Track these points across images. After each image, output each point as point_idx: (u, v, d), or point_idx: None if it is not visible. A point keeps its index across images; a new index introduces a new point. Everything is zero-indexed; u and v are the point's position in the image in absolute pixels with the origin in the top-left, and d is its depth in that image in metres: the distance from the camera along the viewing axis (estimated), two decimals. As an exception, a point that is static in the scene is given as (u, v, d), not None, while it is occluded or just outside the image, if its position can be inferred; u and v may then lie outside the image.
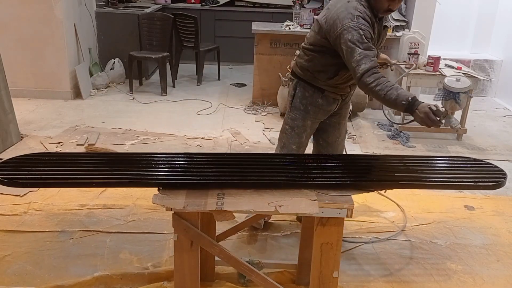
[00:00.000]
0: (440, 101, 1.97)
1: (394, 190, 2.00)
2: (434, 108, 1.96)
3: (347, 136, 4.33)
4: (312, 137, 2.69)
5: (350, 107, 2.74)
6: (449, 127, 1.97)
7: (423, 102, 2.02)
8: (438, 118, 1.95)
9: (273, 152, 2.71)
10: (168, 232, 2.66)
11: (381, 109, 5.16)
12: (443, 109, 1.99)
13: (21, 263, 2.39)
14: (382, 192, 2.42)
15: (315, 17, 2.79)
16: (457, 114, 4.42)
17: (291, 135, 2.57)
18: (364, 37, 2.14)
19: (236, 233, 2.58)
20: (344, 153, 2.76)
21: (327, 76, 2.40)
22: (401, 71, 4.39)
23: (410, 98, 2.01)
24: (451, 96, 1.93)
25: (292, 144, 2.58)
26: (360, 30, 2.14)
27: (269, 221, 2.82)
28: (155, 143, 4.00)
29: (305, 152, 2.73)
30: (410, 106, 2.01)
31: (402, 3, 5.01)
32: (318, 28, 2.34)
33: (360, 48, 2.12)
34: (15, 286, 2.22)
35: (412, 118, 2.10)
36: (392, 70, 2.75)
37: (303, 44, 2.49)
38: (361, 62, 2.11)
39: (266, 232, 2.75)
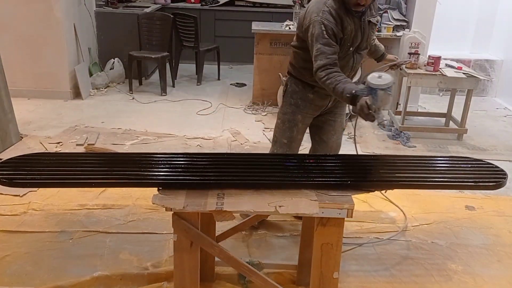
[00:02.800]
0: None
1: (395, 190, 2.00)
2: (369, 102, 1.97)
3: (347, 136, 4.34)
4: (308, 134, 2.71)
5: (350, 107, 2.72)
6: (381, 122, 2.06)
7: (365, 96, 2.02)
8: (370, 111, 1.96)
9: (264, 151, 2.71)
10: (168, 232, 2.65)
11: (382, 109, 5.16)
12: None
13: (21, 263, 2.38)
14: (383, 192, 2.41)
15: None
16: (458, 114, 4.43)
17: (282, 129, 2.60)
18: (325, 33, 2.17)
19: (236, 234, 2.58)
20: (356, 152, 2.73)
21: (310, 73, 2.40)
22: (402, 71, 4.38)
23: (354, 91, 2.03)
24: (370, 91, 1.94)
25: (283, 138, 2.61)
26: (323, 26, 2.18)
27: (267, 220, 2.81)
28: (155, 143, 4.00)
29: (300, 151, 2.73)
30: (352, 99, 2.04)
31: (403, 3, 5.01)
32: (298, 24, 2.40)
33: (319, 43, 2.18)
34: (15, 287, 2.21)
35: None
36: (401, 70, 2.76)
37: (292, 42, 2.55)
38: (318, 58, 2.17)
39: (266, 232, 2.75)
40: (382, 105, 1.96)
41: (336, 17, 2.20)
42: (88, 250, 2.52)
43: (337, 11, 2.21)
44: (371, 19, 2.38)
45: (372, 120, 2.00)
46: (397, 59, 2.78)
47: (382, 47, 2.73)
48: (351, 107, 2.55)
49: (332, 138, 2.66)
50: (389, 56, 2.75)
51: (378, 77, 1.93)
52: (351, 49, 2.34)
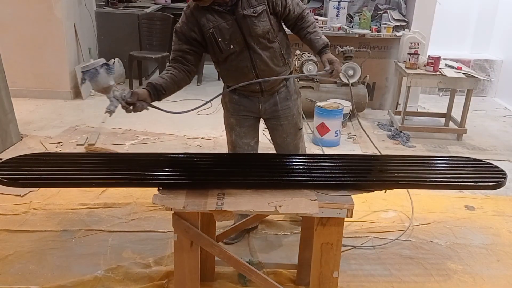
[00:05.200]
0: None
1: (394, 190, 2.00)
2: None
3: (347, 136, 4.34)
4: None
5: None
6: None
7: (145, 90, 2.11)
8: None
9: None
10: (170, 231, 2.65)
11: (381, 109, 5.18)
12: None
13: (24, 262, 2.39)
14: (382, 192, 2.41)
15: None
16: (457, 114, 4.44)
17: (226, 134, 2.59)
18: (174, 31, 2.26)
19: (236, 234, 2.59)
20: (351, 152, 2.65)
21: (221, 77, 2.47)
22: (401, 71, 4.39)
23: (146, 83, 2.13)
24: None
25: (228, 143, 2.59)
26: (177, 23, 2.28)
27: (267, 219, 2.81)
28: (155, 143, 4.00)
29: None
30: None
31: (402, 3, 5.01)
32: None
33: (172, 39, 2.29)
34: (18, 285, 2.22)
35: None
36: (331, 77, 2.29)
37: None
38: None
39: (267, 232, 2.75)
40: (94, 88, 1.99)
41: (189, 16, 2.22)
42: (90, 249, 2.52)
43: (192, 10, 2.21)
44: (245, 12, 2.18)
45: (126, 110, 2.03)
46: (333, 63, 2.24)
47: (320, 41, 2.32)
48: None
49: (285, 141, 2.55)
50: (324, 56, 2.29)
51: (89, 62, 1.96)
52: (231, 47, 2.21)
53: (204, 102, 2.41)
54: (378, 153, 3.52)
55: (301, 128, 2.60)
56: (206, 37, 2.21)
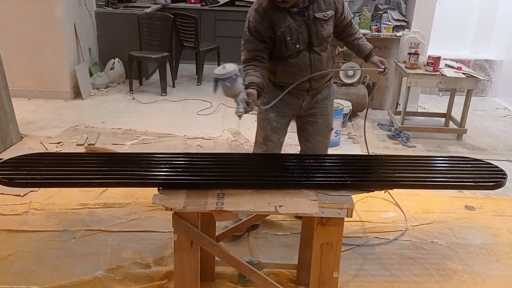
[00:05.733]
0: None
1: (394, 190, 2.00)
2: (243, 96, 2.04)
3: (347, 136, 4.34)
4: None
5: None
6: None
7: (254, 89, 2.12)
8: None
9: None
10: (170, 231, 2.65)
11: (381, 109, 5.18)
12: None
13: (24, 262, 2.39)
14: (382, 192, 2.41)
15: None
16: (457, 114, 4.44)
17: (258, 129, 2.63)
18: (247, 30, 2.29)
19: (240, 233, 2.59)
20: (350, 151, 2.75)
21: (272, 73, 2.45)
22: (401, 71, 4.40)
23: (247, 83, 2.14)
24: (214, 81, 2.02)
25: (259, 138, 2.62)
26: (247, 23, 2.29)
27: (268, 219, 2.81)
28: (155, 143, 4.00)
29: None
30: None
31: (402, 3, 5.01)
32: None
33: (243, 39, 2.32)
34: (18, 285, 2.22)
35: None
36: (384, 75, 2.55)
37: None
38: (242, 53, 2.33)
39: (267, 232, 2.75)
40: (226, 95, 2.01)
41: (263, 14, 2.25)
42: (90, 249, 2.53)
43: (265, 9, 2.25)
44: (316, 15, 2.30)
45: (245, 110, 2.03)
46: (383, 62, 2.53)
47: (368, 46, 2.59)
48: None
49: (316, 139, 2.63)
50: (374, 58, 2.56)
51: (222, 68, 1.98)
52: (297, 46, 2.31)
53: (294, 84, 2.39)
54: (376, 153, 3.52)
55: (332, 129, 2.73)
56: (276, 36, 2.28)
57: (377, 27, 4.89)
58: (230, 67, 1.97)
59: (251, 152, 3.79)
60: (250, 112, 2.08)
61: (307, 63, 2.37)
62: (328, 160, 2.18)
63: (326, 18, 2.33)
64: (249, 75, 2.21)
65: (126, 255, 2.48)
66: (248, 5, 6.84)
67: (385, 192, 1.96)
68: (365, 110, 3.28)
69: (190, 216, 1.76)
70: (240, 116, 2.00)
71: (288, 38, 2.28)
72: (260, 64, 2.27)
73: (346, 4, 2.48)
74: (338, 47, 4.66)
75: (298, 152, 2.95)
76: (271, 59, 2.37)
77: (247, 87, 2.10)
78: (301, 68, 2.38)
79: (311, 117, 2.60)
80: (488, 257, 2.62)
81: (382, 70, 2.51)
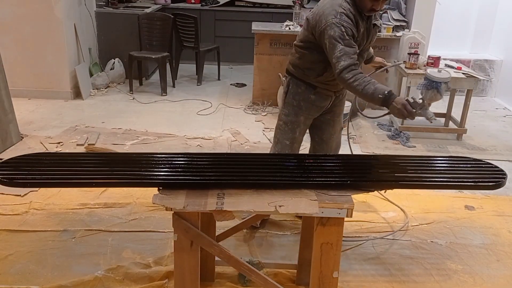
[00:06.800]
0: (421, 91, 2.10)
1: (394, 190, 2.00)
2: (411, 100, 2.05)
3: (347, 136, 4.34)
4: (308, 134, 2.73)
5: (349, 105, 2.75)
6: (425, 119, 2.12)
7: (398, 96, 2.10)
8: (415, 110, 2.04)
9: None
10: (170, 231, 2.65)
11: (382, 109, 5.17)
12: (420, 100, 2.09)
13: (24, 262, 2.39)
14: (382, 192, 2.42)
15: (305, 14, 2.83)
16: (457, 114, 4.44)
17: (284, 131, 2.61)
18: (345, 34, 2.18)
19: (236, 233, 2.59)
20: (349, 151, 2.82)
21: (316, 73, 2.43)
22: (401, 71, 4.40)
23: (386, 92, 2.07)
24: (433, 85, 2.04)
25: (286, 140, 2.62)
26: (342, 27, 2.18)
27: (267, 219, 2.82)
28: (155, 143, 4.00)
29: (300, 150, 2.74)
30: (386, 99, 2.07)
31: (402, 3, 5.01)
32: (307, 25, 2.40)
33: (341, 44, 2.17)
34: (19, 285, 2.22)
35: (387, 111, 2.18)
36: (387, 72, 2.76)
37: (295, 42, 2.55)
38: (341, 58, 2.16)
39: (267, 231, 2.75)
40: (435, 100, 2.04)
41: (352, 19, 2.23)
42: (91, 249, 2.53)
43: (353, 13, 2.24)
44: (375, 22, 2.42)
45: (413, 118, 2.05)
46: (384, 61, 2.75)
47: (371, 49, 2.69)
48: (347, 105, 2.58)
49: (331, 138, 2.69)
50: (377, 59, 2.73)
51: (438, 71, 2.02)
52: (357, 50, 2.35)
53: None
54: (376, 153, 3.52)
55: (342, 128, 2.79)
56: (355, 40, 2.27)
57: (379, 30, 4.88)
58: (445, 71, 2.05)
59: (252, 152, 3.79)
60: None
61: None
62: (328, 160, 2.18)
63: (380, 27, 2.47)
64: (375, 83, 2.13)
65: (126, 255, 2.48)
66: (248, 5, 6.86)
67: (385, 192, 1.96)
68: (350, 106, 3.34)
69: (190, 216, 1.76)
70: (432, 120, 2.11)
71: (358, 44, 2.32)
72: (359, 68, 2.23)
73: None
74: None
75: (303, 151, 2.97)
76: (322, 61, 2.36)
77: (391, 93, 2.10)
78: None
79: (329, 114, 2.64)
80: (488, 257, 2.62)
81: (397, 63, 2.64)
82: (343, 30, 2.18)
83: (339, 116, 2.69)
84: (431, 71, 2.05)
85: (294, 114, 2.55)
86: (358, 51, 2.29)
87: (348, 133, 2.93)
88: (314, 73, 2.43)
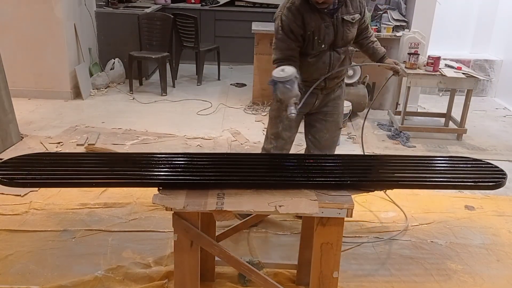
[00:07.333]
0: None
1: (394, 190, 2.00)
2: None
3: (347, 136, 4.34)
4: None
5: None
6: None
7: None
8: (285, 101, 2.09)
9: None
10: (170, 231, 2.65)
11: (381, 109, 5.18)
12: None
13: (24, 262, 2.39)
14: (382, 192, 2.42)
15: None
16: (457, 114, 4.44)
17: (270, 125, 2.66)
18: (280, 29, 2.28)
19: (236, 233, 2.59)
20: (349, 151, 2.80)
21: None
22: (401, 71, 4.38)
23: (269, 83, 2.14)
24: (273, 83, 2.06)
25: (270, 134, 2.65)
26: (280, 22, 2.28)
27: (268, 218, 2.81)
28: (155, 143, 4.00)
29: (299, 151, 2.73)
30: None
31: (402, 3, 5.01)
32: None
33: (276, 38, 2.31)
34: (19, 285, 2.22)
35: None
36: (399, 75, 2.67)
37: None
38: (273, 51, 2.32)
39: (267, 232, 2.75)
40: (283, 98, 2.04)
41: (295, 13, 2.26)
42: (91, 249, 2.53)
43: (298, 8, 2.26)
44: (345, 17, 2.36)
45: (285, 110, 2.08)
46: (397, 64, 2.66)
47: (382, 50, 2.67)
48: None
49: (324, 137, 2.66)
50: (389, 60, 2.68)
51: (281, 71, 2.01)
52: (323, 46, 2.35)
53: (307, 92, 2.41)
54: (376, 153, 3.52)
55: (341, 128, 2.75)
56: (306, 35, 2.30)
57: (377, 27, 4.89)
58: (289, 70, 2.01)
59: (252, 152, 3.79)
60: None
61: (327, 62, 2.42)
62: (328, 160, 2.18)
63: (354, 21, 2.39)
64: None
65: (126, 255, 2.48)
66: (248, 5, 6.86)
67: (385, 192, 1.97)
68: (366, 110, 3.29)
69: (190, 216, 1.76)
70: (293, 117, 2.06)
71: (316, 38, 2.31)
72: (294, 64, 2.25)
73: (366, 8, 2.53)
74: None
75: (301, 151, 2.96)
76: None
77: None
78: (320, 67, 2.42)
79: (321, 114, 2.63)
80: (488, 257, 2.62)
81: (398, 70, 2.59)
82: (280, 24, 2.28)
83: (332, 116, 2.64)
84: (276, 71, 2.04)
85: (277, 109, 2.58)
86: (325, 47, 2.32)
87: (362, 133, 2.90)
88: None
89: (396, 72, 2.62)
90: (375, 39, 2.67)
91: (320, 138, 2.66)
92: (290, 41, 2.29)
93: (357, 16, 2.41)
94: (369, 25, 2.62)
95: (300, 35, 2.30)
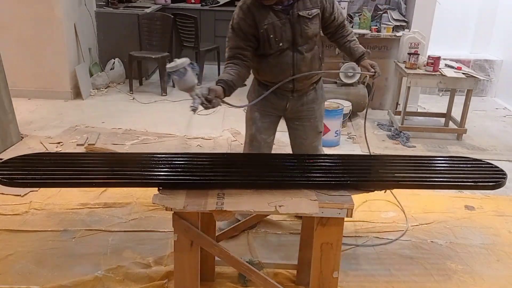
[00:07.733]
0: None
1: (394, 190, 2.00)
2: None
3: (347, 136, 4.34)
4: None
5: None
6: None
7: (219, 86, 2.13)
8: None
9: (272, 151, 2.72)
10: (170, 231, 2.65)
11: (381, 109, 5.18)
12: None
13: (24, 262, 2.39)
14: (383, 192, 2.42)
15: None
16: (457, 114, 4.44)
17: (246, 128, 2.65)
18: (230, 27, 2.31)
19: (236, 233, 2.59)
20: (349, 152, 2.76)
21: (256, 71, 2.46)
22: (401, 71, 4.40)
23: (217, 80, 2.18)
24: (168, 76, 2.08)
25: (246, 137, 2.65)
26: (232, 20, 2.31)
27: (267, 218, 2.81)
28: (155, 143, 4.00)
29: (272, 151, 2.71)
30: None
31: (402, 3, 5.01)
32: None
33: (227, 37, 2.32)
34: (18, 285, 2.22)
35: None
36: (374, 78, 2.43)
37: None
38: (226, 50, 2.33)
39: (267, 232, 2.75)
40: (180, 88, 2.02)
41: (246, 12, 2.26)
42: (91, 249, 2.53)
43: (249, 6, 2.26)
44: (301, 13, 2.28)
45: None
46: (373, 66, 2.41)
47: (359, 50, 2.48)
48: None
49: (304, 143, 2.61)
50: (365, 62, 2.45)
51: (174, 62, 2.00)
52: (280, 44, 2.29)
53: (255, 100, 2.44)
54: (375, 153, 3.52)
55: (320, 132, 2.67)
56: (259, 33, 2.27)
57: (377, 27, 4.89)
58: (180, 61, 1.98)
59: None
60: (212, 109, 2.09)
61: (290, 62, 2.34)
62: (328, 160, 2.18)
63: (311, 17, 2.30)
64: (223, 72, 2.23)
65: (126, 255, 2.48)
66: (248, 5, 6.84)
67: (385, 192, 1.96)
68: (365, 110, 3.27)
69: (190, 216, 1.76)
70: (194, 111, 1.97)
71: (271, 36, 2.27)
72: (240, 62, 2.25)
73: (337, 4, 2.44)
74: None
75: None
76: (255, 57, 2.36)
77: (216, 83, 2.13)
78: (283, 67, 2.35)
79: (298, 120, 2.57)
80: (488, 257, 2.62)
81: (373, 73, 2.39)
82: (231, 22, 2.31)
83: (309, 121, 2.57)
84: (170, 63, 2.03)
85: (250, 111, 2.57)
86: (284, 45, 2.29)
87: (365, 133, 2.84)
88: (256, 72, 2.47)
89: (371, 76, 2.42)
90: (354, 38, 2.52)
91: (300, 144, 2.62)
92: (239, 39, 2.27)
93: (314, 11, 2.31)
94: (345, 23, 2.50)
95: (251, 34, 2.26)
